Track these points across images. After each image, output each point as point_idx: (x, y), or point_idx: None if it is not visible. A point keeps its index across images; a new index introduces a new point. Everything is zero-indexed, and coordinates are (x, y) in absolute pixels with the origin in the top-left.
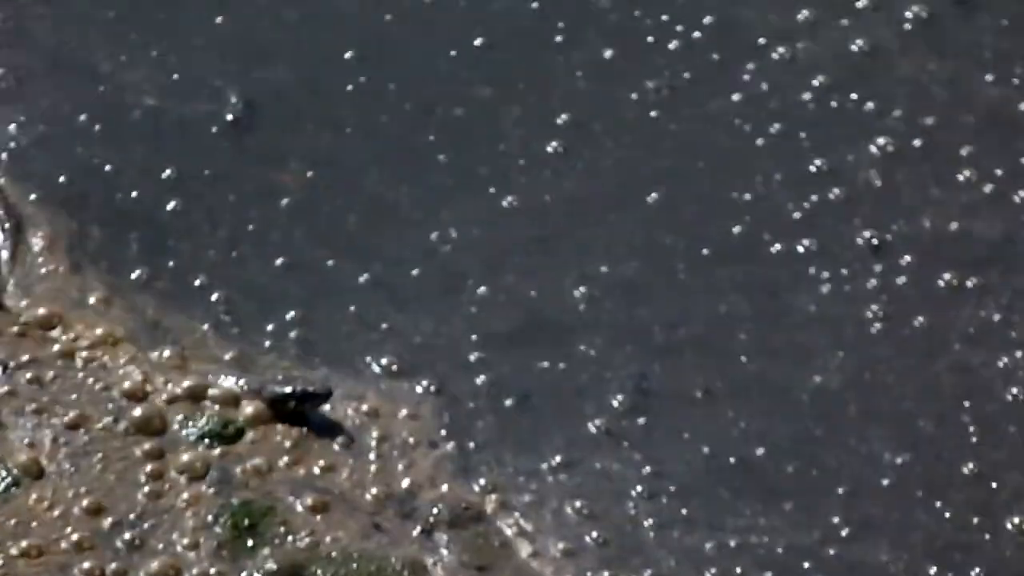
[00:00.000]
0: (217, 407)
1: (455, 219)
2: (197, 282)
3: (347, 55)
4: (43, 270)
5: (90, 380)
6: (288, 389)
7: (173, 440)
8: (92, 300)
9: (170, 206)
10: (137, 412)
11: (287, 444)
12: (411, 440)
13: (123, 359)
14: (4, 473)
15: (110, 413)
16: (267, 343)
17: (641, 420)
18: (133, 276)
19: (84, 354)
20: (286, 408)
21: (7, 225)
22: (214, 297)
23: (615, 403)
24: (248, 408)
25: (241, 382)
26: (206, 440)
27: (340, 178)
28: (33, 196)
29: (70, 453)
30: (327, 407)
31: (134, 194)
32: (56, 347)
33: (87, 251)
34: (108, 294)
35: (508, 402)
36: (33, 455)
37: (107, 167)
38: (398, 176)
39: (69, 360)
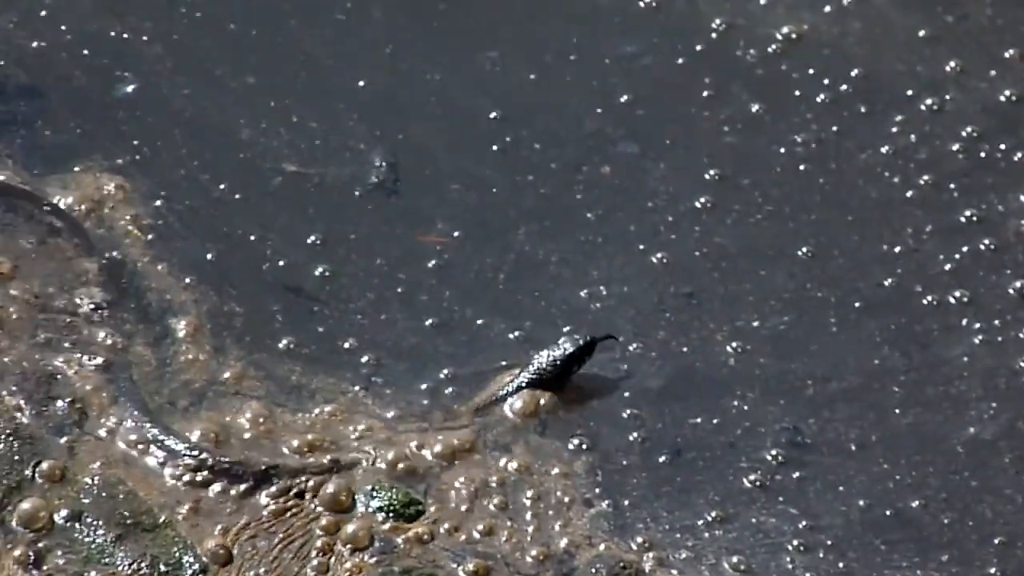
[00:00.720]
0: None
1: (604, 276)
2: (346, 345)
3: (491, 114)
4: (183, 359)
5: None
6: (566, 351)
7: (351, 514)
8: (227, 376)
9: (316, 272)
10: (330, 489)
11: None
12: (566, 499)
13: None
14: (192, 559)
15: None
16: (424, 402)
17: (795, 474)
18: (280, 346)
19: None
20: (569, 376)
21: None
22: (364, 359)
23: (768, 457)
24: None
25: (509, 381)
26: (386, 514)
27: (487, 237)
28: (187, 280)
29: (253, 535)
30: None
31: (280, 263)
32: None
33: (233, 328)
34: (248, 369)
35: (661, 458)
36: (222, 540)
37: (251, 237)
38: (546, 234)
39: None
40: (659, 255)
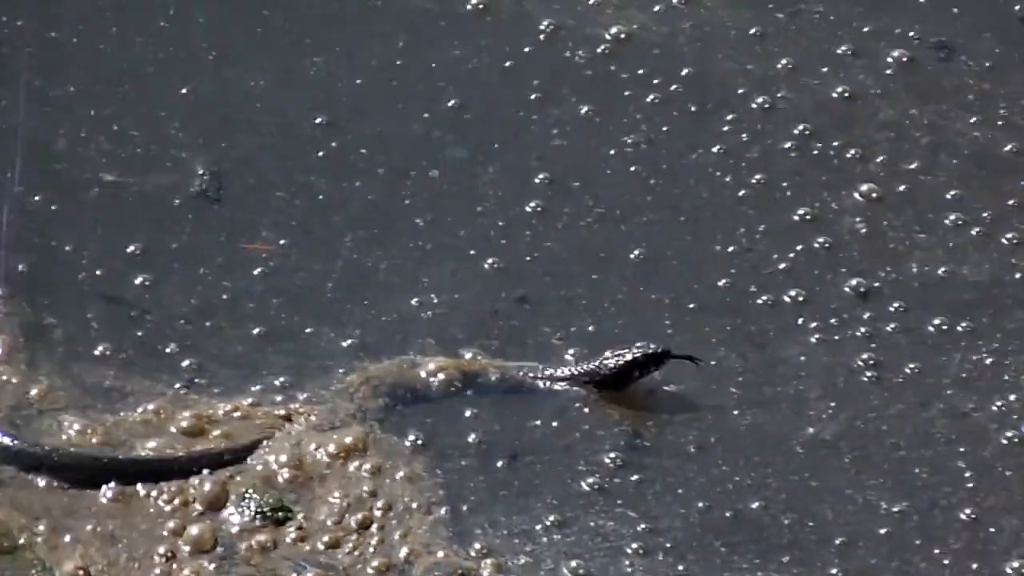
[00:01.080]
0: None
1: (435, 283)
2: (167, 350)
3: (317, 120)
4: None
5: None
6: (629, 357)
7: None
8: (34, 393)
9: (137, 281)
10: (206, 487)
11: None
12: (410, 505)
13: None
14: None
15: None
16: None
17: (634, 476)
18: (95, 353)
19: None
20: (629, 380)
21: None
22: (185, 363)
23: (607, 460)
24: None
25: (564, 370)
26: (253, 517)
27: (314, 245)
28: None
29: (104, 543)
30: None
31: (98, 272)
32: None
33: (47, 340)
34: (55, 380)
35: (499, 461)
36: (80, 563)
37: (67, 248)
38: (374, 241)
39: None
40: (491, 260)
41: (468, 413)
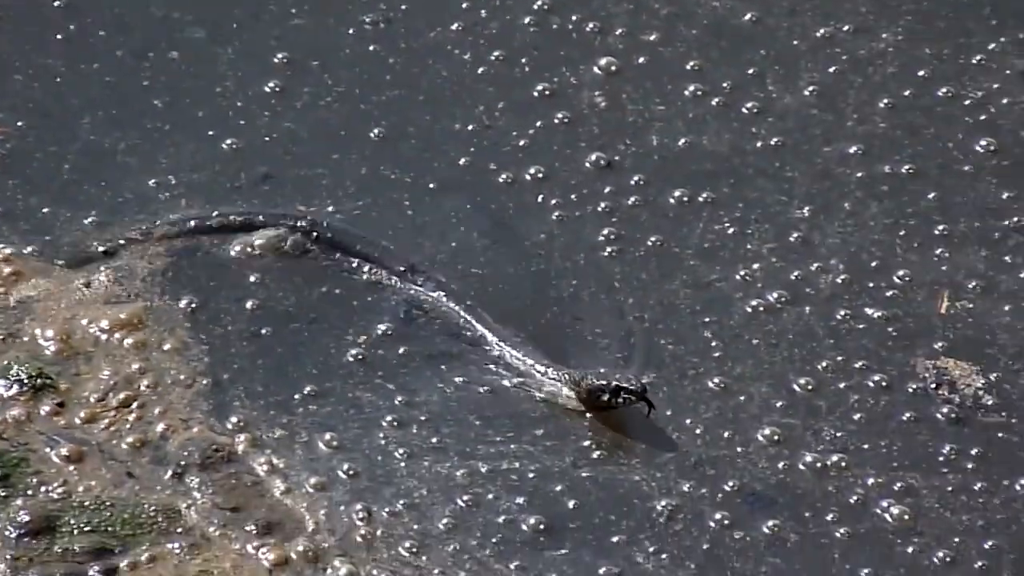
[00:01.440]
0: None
1: (173, 164)
2: None
3: (56, 3)
4: None
5: None
6: (603, 381)
7: None
8: None
9: None
10: None
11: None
12: (177, 378)
13: None
14: None
15: None
16: None
17: (401, 349)
18: None
19: None
20: (599, 401)
21: None
22: None
23: (378, 331)
24: None
25: (560, 373)
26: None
27: (52, 127)
28: None
29: None
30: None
31: None
32: None
33: None
34: None
35: (265, 329)
36: None
37: None
38: (113, 123)
39: None
40: (229, 141)
41: (253, 279)
